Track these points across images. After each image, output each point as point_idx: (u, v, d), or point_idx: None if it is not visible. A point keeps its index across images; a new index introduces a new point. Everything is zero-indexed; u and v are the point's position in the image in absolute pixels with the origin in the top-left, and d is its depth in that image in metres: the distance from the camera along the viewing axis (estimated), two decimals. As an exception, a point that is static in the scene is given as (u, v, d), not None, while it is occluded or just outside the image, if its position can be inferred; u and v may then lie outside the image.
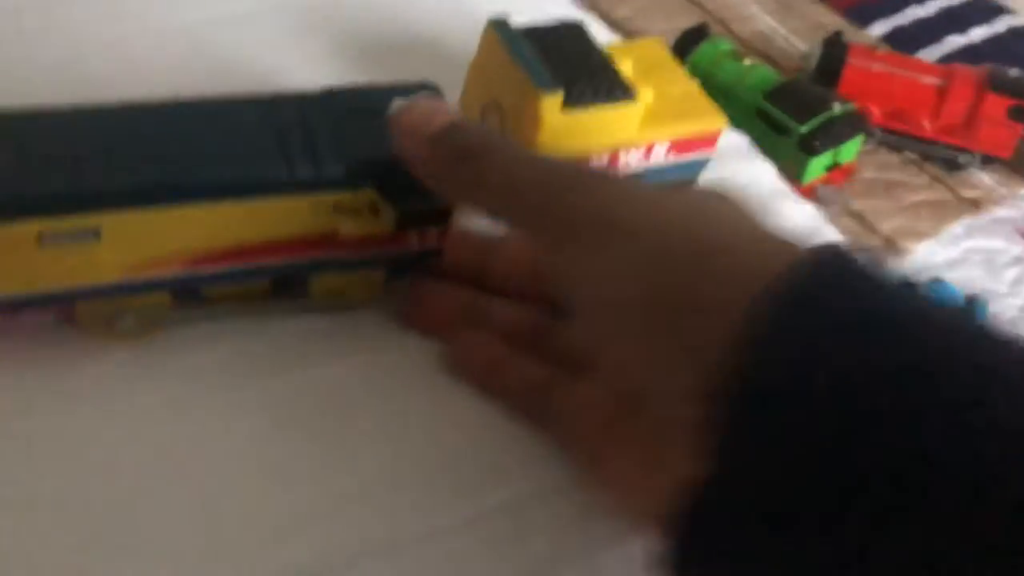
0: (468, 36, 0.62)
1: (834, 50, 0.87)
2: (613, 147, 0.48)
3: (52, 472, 0.38)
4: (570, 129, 0.46)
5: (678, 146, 0.49)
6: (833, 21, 1.03)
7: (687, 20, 1.03)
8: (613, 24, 0.96)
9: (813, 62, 0.88)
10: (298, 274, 0.44)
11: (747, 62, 0.85)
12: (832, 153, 0.79)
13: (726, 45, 0.87)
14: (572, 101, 0.45)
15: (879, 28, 1.03)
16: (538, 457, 0.41)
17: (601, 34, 0.69)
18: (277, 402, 0.42)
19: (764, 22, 1.02)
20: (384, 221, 0.43)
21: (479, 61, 0.50)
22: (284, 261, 0.42)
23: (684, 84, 0.52)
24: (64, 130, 0.39)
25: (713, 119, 0.50)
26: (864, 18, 1.04)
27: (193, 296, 0.43)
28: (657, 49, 0.54)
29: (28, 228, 0.37)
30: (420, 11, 0.64)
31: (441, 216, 0.44)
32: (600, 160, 0.48)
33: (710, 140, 0.51)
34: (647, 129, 0.48)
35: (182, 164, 0.39)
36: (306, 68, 0.58)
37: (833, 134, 0.78)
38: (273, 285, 0.44)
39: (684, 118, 0.50)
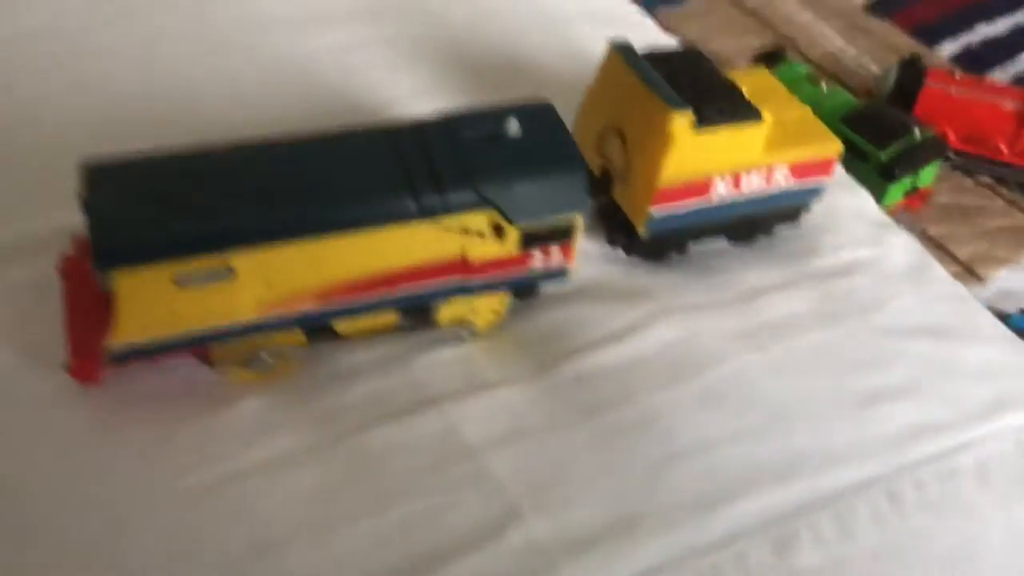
0: (566, 63, 0.64)
1: (911, 73, 0.87)
2: (737, 168, 0.49)
3: (199, 521, 0.39)
4: (698, 149, 0.47)
5: (797, 170, 0.50)
6: (902, 42, 1.03)
7: (756, 39, 1.04)
8: (682, 43, 0.97)
9: (889, 84, 0.88)
10: (427, 302, 0.44)
11: (824, 86, 0.85)
12: (911, 179, 0.79)
13: (803, 68, 0.87)
14: (703, 121, 0.47)
15: (948, 48, 1.02)
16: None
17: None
18: (419, 443, 0.42)
19: (833, 43, 1.02)
20: (509, 242, 0.43)
21: (599, 85, 0.51)
22: (414, 289, 0.43)
23: (798, 110, 0.52)
24: (193, 170, 0.40)
25: (830, 144, 0.51)
26: (932, 37, 1.04)
27: (325, 331, 0.44)
28: (766, 77, 0.55)
29: (164, 270, 0.38)
30: (520, 40, 0.65)
31: (564, 233, 0.45)
32: (723, 181, 0.48)
33: (827, 165, 0.51)
34: (768, 152, 0.49)
35: (312, 199, 0.40)
36: (416, 96, 0.59)
37: (913, 160, 0.78)
38: (401, 315, 0.45)
39: (802, 142, 0.50)
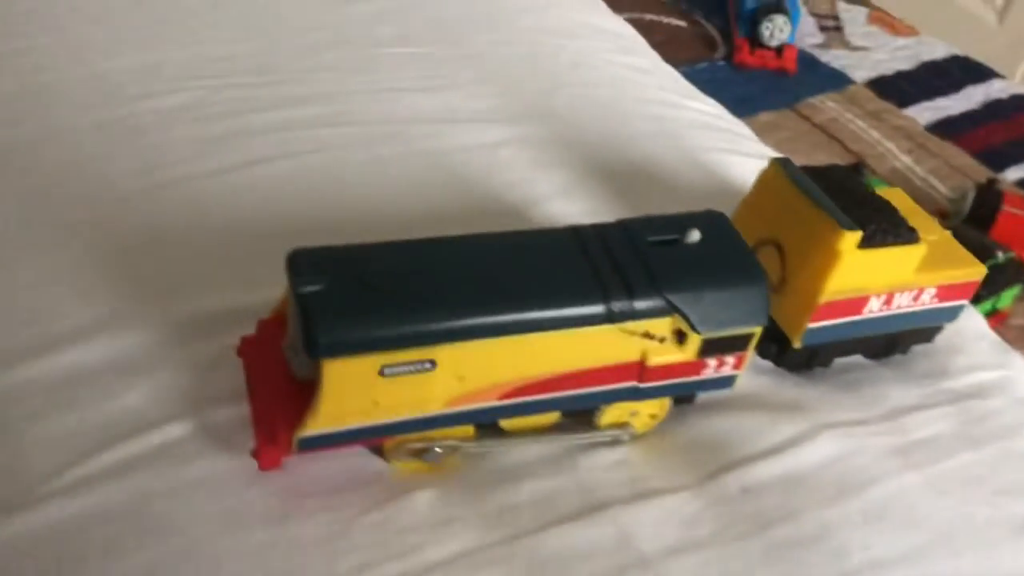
0: (686, 168, 0.66)
1: (989, 196, 0.89)
2: (891, 288, 0.50)
3: None
4: (860, 267, 0.48)
5: (943, 292, 0.51)
6: (967, 163, 1.06)
7: (827, 155, 1.07)
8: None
9: (966, 206, 0.90)
10: (596, 403, 0.45)
11: (906, 204, 0.87)
12: (993, 301, 0.81)
13: (882, 186, 0.90)
14: (868, 241, 0.47)
15: (1013, 173, 1.05)
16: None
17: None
18: (594, 549, 0.42)
19: (900, 161, 1.05)
20: (688, 349, 0.44)
21: (757, 197, 0.52)
22: (589, 390, 0.43)
23: (938, 232, 0.54)
24: (398, 264, 0.41)
25: (975, 269, 0.52)
26: (996, 163, 1.07)
27: (491, 427, 0.44)
28: (905, 198, 0.57)
29: (373, 361, 0.39)
30: (645, 146, 0.67)
31: (742, 344, 0.45)
32: (878, 299, 0.50)
33: (970, 288, 0.52)
34: (918, 273, 0.50)
35: (514, 299, 0.41)
36: (556, 196, 0.60)
37: (996, 282, 0.80)
38: (564, 414, 0.45)
39: (950, 266, 0.51)
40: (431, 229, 0.44)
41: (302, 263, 0.40)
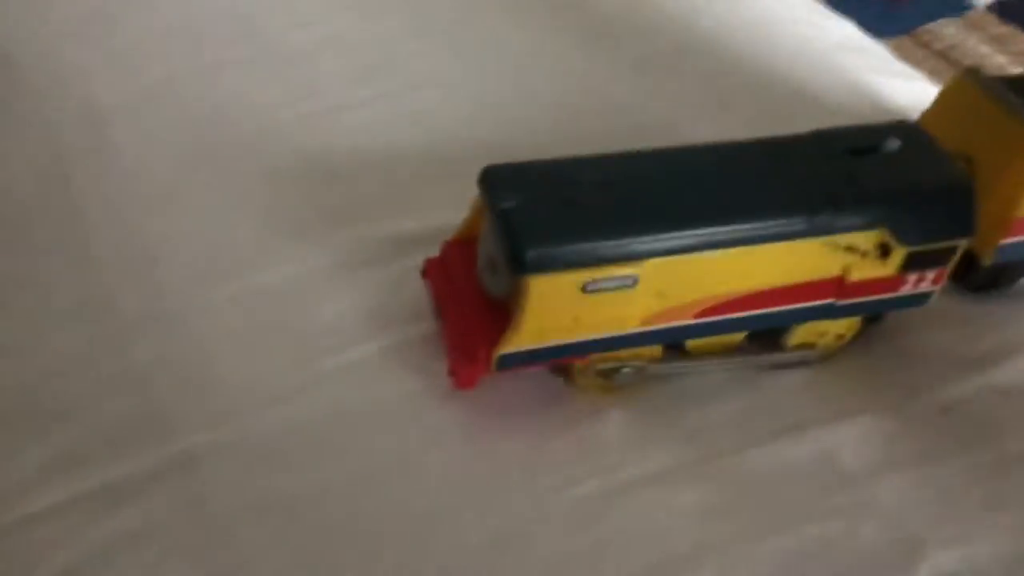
0: (835, 91, 0.64)
1: None
2: None
3: (597, 533, 0.38)
4: None
5: None
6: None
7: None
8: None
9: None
10: (789, 322, 0.43)
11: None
12: None
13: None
14: None
15: None
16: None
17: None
18: (795, 469, 0.41)
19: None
20: (891, 264, 0.42)
21: (942, 112, 0.50)
22: (786, 308, 0.42)
23: None
24: (595, 178, 0.40)
25: None
26: None
27: (675, 348, 0.43)
28: None
29: (577, 276, 0.38)
30: (791, 68, 0.65)
31: (944, 258, 0.43)
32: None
33: None
34: None
35: (716, 213, 0.39)
36: (702, 118, 0.58)
37: None
38: (751, 334, 0.44)
39: None
40: (586, 150, 0.43)
41: (497, 180, 0.39)
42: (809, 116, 0.60)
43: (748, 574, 0.37)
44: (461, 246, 0.44)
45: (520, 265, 0.37)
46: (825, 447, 0.42)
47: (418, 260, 0.45)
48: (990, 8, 1.13)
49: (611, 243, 0.38)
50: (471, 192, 0.41)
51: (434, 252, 0.45)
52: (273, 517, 0.38)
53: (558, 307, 0.38)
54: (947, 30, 1.09)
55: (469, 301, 0.41)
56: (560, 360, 0.41)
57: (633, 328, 0.40)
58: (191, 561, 0.37)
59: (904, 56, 1.08)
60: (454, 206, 0.44)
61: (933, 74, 1.04)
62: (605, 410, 0.42)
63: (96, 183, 0.51)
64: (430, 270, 0.44)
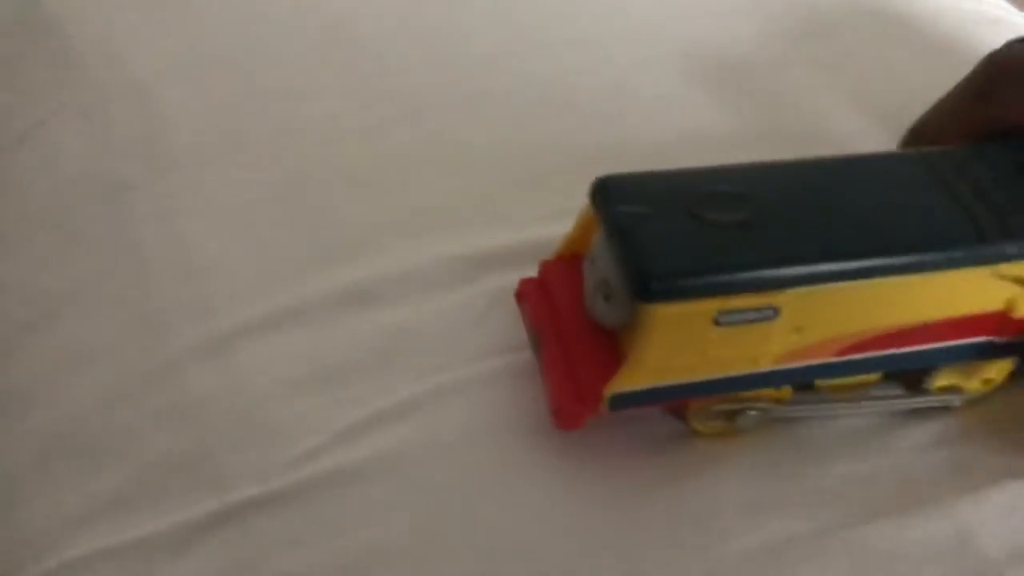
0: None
1: None
2: None
3: None
4: None
5: None
6: None
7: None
8: None
9: None
10: (937, 363, 0.38)
11: None
12: None
13: None
14: None
15: None
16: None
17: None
18: (927, 549, 0.35)
19: None
20: None
21: None
22: (940, 345, 0.37)
23: None
24: (727, 193, 0.35)
25: None
26: None
27: (808, 389, 0.38)
28: None
29: (710, 306, 0.33)
30: (921, 53, 0.58)
31: None
32: None
33: None
34: None
35: (870, 237, 0.34)
36: (834, 110, 0.53)
37: None
38: (888, 373, 0.38)
39: None
40: (699, 152, 0.39)
41: (615, 190, 0.35)
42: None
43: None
44: (563, 266, 0.39)
45: (644, 291, 0.32)
46: (962, 524, 0.36)
47: (510, 281, 0.40)
48: None
49: (753, 268, 0.33)
50: (576, 202, 0.37)
51: (530, 272, 0.40)
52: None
53: (685, 341, 0.34)
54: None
55: (574, 330, 0.37)
56: (681, 401, 0.37)
57: (767, 366, 0.35)
58: None
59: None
60: (556, 219, 0.39)
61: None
62: (717, 463, 0.37)
63: (149, 189, 0.48)
64: (525, 292, 0.40)
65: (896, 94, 0.48)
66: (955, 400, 0.39)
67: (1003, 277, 0.36)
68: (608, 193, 0.35)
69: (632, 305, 0.33)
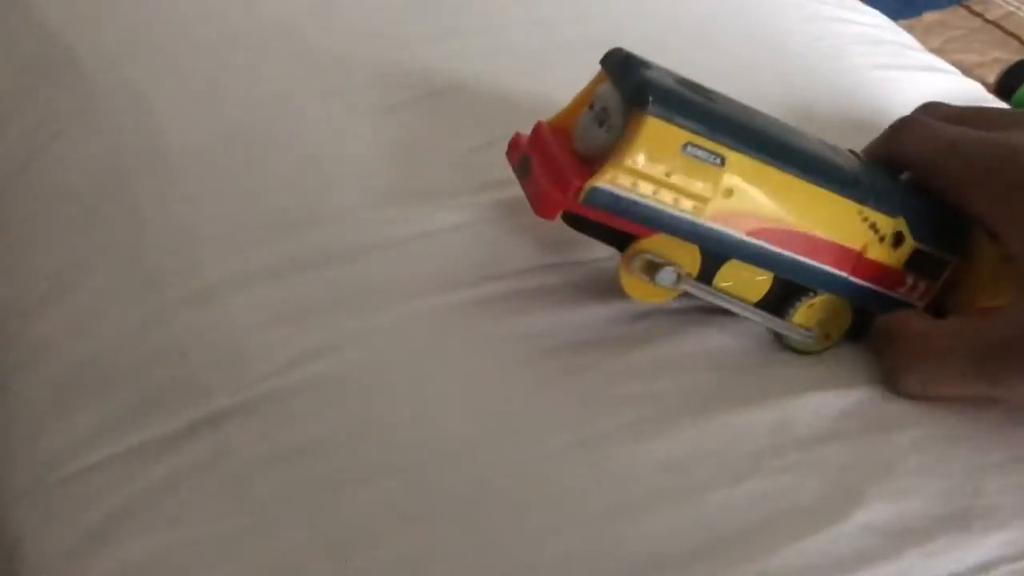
0: (858, 94, 0.66)
1: None
2: None
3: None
4: None
5: None
6: None
7: (1002, 52, 1.02)
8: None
9: None
10: (810, 282, 0.47)
11: (1087, 99, 0.83)
12: None
13: (1062, 82, 0.85)
14: None
15: None
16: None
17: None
18: (755, 430, 0.45)
19: (1086, 54, 0.98)
20: (899, 255, 0.47)
21: None
22: (814, 263, 0.47)
23: None
24: (704, 90, 0.45)
25: None
26: None
27: (710, 273, 0.47)
28: None
29: (683, 134, 0.42)
30: (808, 69, 0.68)
31: (937, 270, 0.48)
32: None
33: None
34: None
35: (796, 144, 0.46)
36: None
37: None
38: (767, 294, 0.48)
39: None
40: None
41: (626, 54, 0.45)
42: (824, 120, 0.62)
43: (700, 518, 0.42)
44: (554, 127, 0.48)
45: (642, 100, 0.42)
46: (782, 416, 0.46)
47: (473, 232, 0.51)
48: (1050, -27, 1.11)
49: (718, 120, 0.44)
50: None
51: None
52: (289, 467, 0.44)
53: (659, 156, 0.43)
54: (1003, -2, 1.08)
55: (562, 155, 0.45)
56: (632, 227, 0.45)
57: (702, 217, 0.45)
58: (208, 511, 0.43)
59: (956, 25, 1.07)
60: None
61: (986, 44, 1.04)
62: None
63: (150, 178, 0.57)
64: (518, 139, 0.48)
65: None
66: (810, 338, 0.49)
67: (865, 219, 0.46)
68: (622, 51, 0.45)
69: (627, 116, 0.43)
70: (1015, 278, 0.46)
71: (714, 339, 0.49)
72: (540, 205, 0.44)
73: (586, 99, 0.47)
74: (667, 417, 0.45)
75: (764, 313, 0.48)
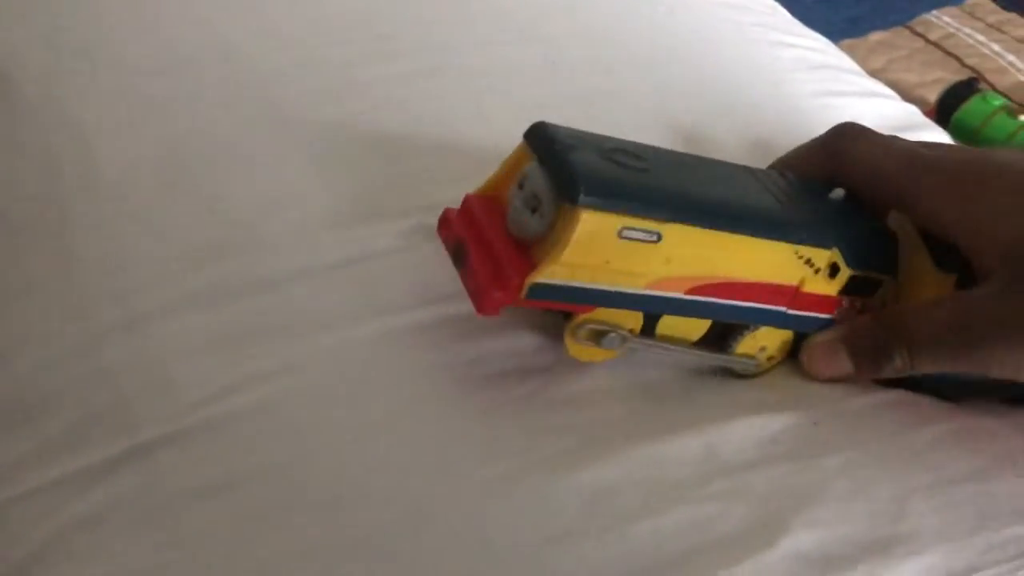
0: (796, 121, 0.66)
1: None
2: None
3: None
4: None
5: None
6: (1097, 72, 1.01)
7: (942, 72, 1.03)
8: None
9: (1088, 119, 0.86)
10: (748, 321, 0.48)
11: (1023, 118, 0.84)
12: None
13: (998, 100, 0.87)
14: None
15: None
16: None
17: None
18: (682, 459, 0.45)
19: (1024, 73, 1.01)
20: (835, 284, 0.48)
21: None
22: (753, 304, 0.47)
23: None
24: (632, 150, 0.45)
25: None
26: None
27: (651, 326, 0.47)
28: None
29: (618, 219, 0.42)
30: (745, 98, 0.69)
31: (872, 288, 0.49)
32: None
33: None
34: None
35: (731, 201, 0.46)
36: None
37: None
38: (707, 334, 0.49)
39: None
40: None
41: (551, 129, 0.45)
42: (763, 148, 0.63)
43: (628, 549, 0.42)
44: (485, 200, 0.48)
45: (574, 194, 0.41)
46: (710, 442, 0.46)
47: (401, 257, 0.50)
48: (989, -6, 1.13)
49: (650, 196, 0.43)
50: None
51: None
52: (218, 499, 0.44)
53: (596, 245, 0.43)
54: (944, 19, 1.10)
55: (498, 241, 0.45)
56: (577, 307, 0.45)
57: (643, 287, 0.45)
58: (135, 544, 0.43)
59: (900, 46, 1.09)
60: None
61: (927, 65, 1.06)
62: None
63: (86, 195, 0.57)
64: (449, 218, 0.47)
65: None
66: (752, 365, 0.50)
67: (800, 257, 0.47)
68: (546, 129, 0.45)
69: (559, 209, 0.42)
70: (978, 270, 0.47)
71: (646, 367, 0.49)
72: (481, 303, 0.44)
73: (513, 171, 0.47)
74: (596, 447, 0.45)
75: (707, 353, 0.49)
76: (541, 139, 0.45)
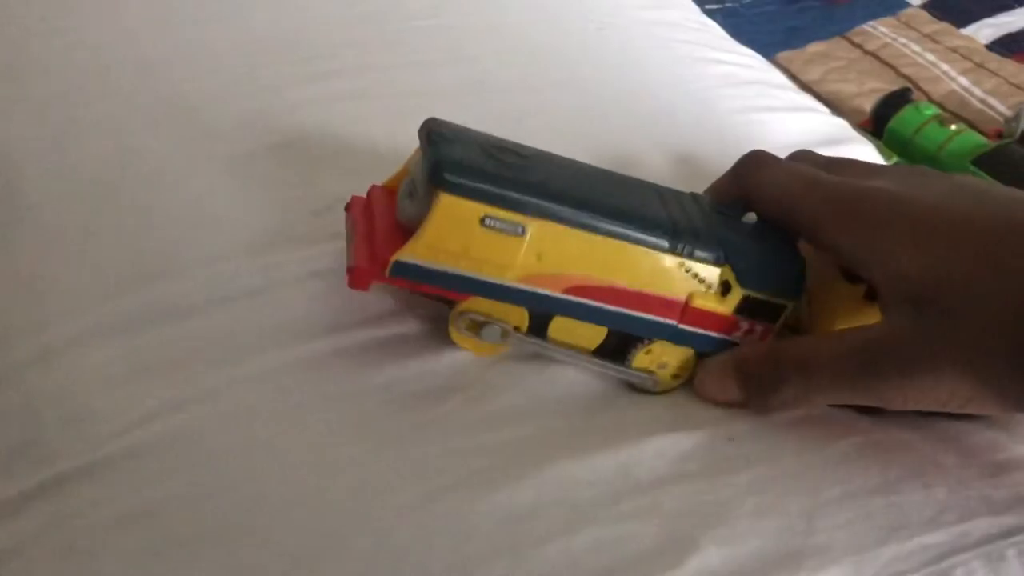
0: (724, 138, 0.67)
1: (1042, 115, 0.87)
2: None
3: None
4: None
5: None
6: (1029, 81, 1.03)
7: (878, 82, 1.05)
8: (803, 87, 0.99)
9: (1020, 125, 0.88)
10: (640, 333, 0.49)
11: (954, 127, 0.86)
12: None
13: (930, 110, 0.88)
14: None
15: (1078, 88, 1.02)
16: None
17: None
18: (598, 477, 0.45)
19: (957, 83, 1.02)
20: (729, 303, 0.48)
21: None
22: (640, 314, 0.48)
23: None
24: (511, 148, 0.47)
25: None
26: (1061, 77, 1.03)
27: (541, 327, 0.48)
28: None
29: (480, 208, 0.44)
30: (674, 116, 0.69)
31: (773, 314, 0.49)
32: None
33: None
34: None
35: (603, 202, 0.46)
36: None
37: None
38: (604, 342, 0.49)
39: None
40: None
41: (438, 125, 0.47)
42: (690, 167, 0.63)
43: (539, 571, 0.42)
44: (386, 191, 0.50)
45: (439, 179, 0.43)
46: (623, 461, 0.46)
47: (316, 284, 0.51)
48: (924, 5, 1.15)
49: (515, 190, 0.45)
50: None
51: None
52: (136, 530, 0.44)
53: (459, 230, 0.44)
54: (880, 29, 1.12)
55: (383, 226, 0.47)
56: (446, 292, 0.47)
57: (512, 280, 0.46)
58: (59, 571, 0.43)
59: (838, 56, 1.11)
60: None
61: (863, 74, 1.07)
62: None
63: (7, 220, 0.56)
64: (354, 203, 0.50)
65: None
66: (650, 382, 0.50)
67: (688, 272, 0.47)
68: (435, 123, 0.46)
69: (428, 193, 0.44)
70: (880, 303, 0.48)
71: (562, 385, 0.50)
72: (351, 278, 0.46)
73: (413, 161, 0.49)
74: (510, 467, 0.45)
75: (601, 362, 0.50)
76: (428, 132, 0.46)
